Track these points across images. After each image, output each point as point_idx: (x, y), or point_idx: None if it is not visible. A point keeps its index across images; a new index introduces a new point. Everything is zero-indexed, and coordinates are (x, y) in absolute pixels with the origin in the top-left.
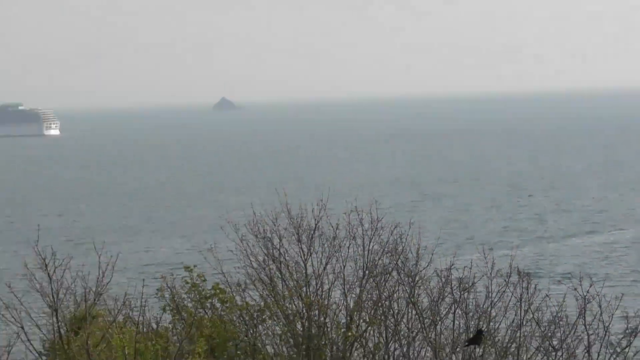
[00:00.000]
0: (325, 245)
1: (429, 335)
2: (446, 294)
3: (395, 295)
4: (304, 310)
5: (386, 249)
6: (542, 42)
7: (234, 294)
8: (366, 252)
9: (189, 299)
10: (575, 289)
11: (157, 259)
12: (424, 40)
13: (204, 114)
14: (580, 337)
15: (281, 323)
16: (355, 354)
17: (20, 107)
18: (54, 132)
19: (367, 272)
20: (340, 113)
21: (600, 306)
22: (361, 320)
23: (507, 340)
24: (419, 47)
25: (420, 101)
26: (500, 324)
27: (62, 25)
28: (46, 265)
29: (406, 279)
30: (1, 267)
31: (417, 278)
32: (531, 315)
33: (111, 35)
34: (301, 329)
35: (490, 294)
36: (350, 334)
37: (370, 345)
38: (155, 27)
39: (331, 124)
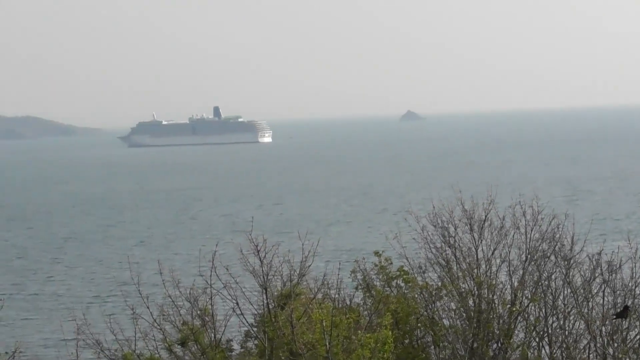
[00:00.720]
0: (493, 234)
1: (582, 310)
2: (597, 275)
3: (553, 276)
4: (475, 289)
5: (545, 237)
6: None
7: (416, 275)
8: (528, 240)
9: (378, 279)
10: None
11: (350, 245)
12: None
13: (392, 124)
14: None
15: (455, 299)
16: (519, 327)
17: (239, 119)
18: (267, 139)
19: (528, 256)
20: (509, 123)
21: None
22: (524, 297)
23: None
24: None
25: (571, 113)
26: None
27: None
28: (258, 251)
29: (562, 262)
30: (221, 252)
31: (571, 261)
32: None
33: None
34: (472, 304)
35: (634, 275)
36: (514, 309)
37: (532, 318)
38: (352, 45)
39: (499, 132)
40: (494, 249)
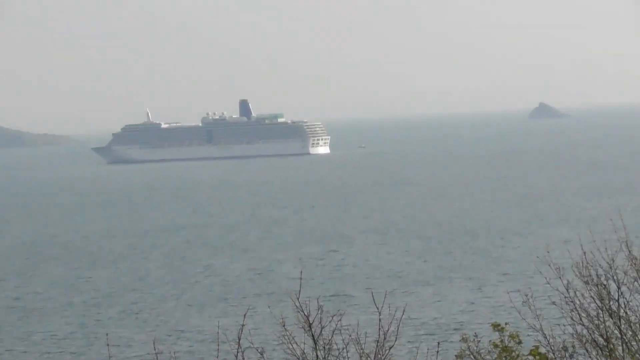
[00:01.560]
0: None
1: None
2: None
3: None
4: None
5: None
6: None
7: None
8: None
9: None
10: None
11: (451, 315)
12: None
13: (517, 122)
14: None
15: None
16: None
17: (279, 119)
18: (322, 149)
19: None
20: None
21: None
22: None
23: None
24: None
25: None
26: None
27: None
28: (310, 325)
29: None
30: (251, 327)
31: None
32: None
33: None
34: None
35: None
36: None
37: None
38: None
39: None
40: None
